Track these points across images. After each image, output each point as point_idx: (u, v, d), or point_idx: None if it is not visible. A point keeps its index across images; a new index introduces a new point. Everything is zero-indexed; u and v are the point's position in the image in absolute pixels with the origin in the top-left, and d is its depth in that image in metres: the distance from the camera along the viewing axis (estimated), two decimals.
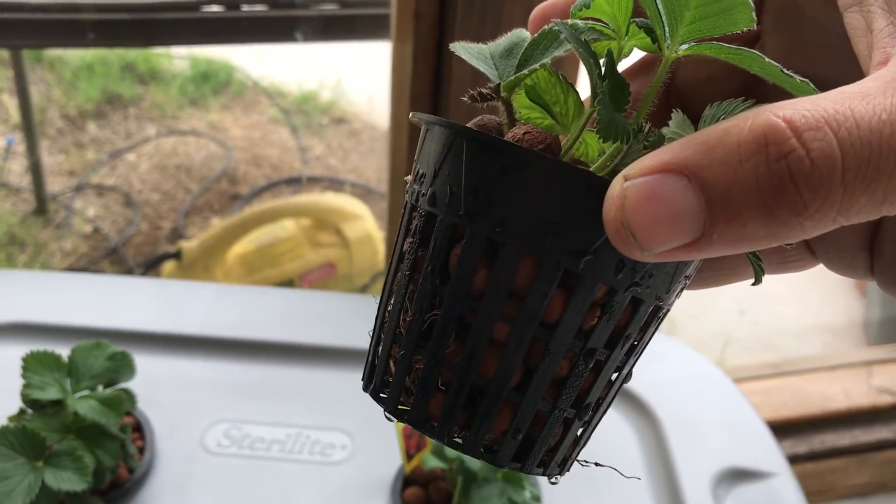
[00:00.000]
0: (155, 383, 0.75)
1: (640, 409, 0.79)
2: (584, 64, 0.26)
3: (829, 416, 1.35)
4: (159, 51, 3.08)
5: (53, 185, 2.56)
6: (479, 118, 0.30)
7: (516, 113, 0.30)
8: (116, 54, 3.03)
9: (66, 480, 0.61)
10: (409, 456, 0.71)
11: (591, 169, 0.27)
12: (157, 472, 0.71)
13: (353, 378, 0.80)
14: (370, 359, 0.30)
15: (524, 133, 0.27)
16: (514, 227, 0.25)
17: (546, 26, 0.29)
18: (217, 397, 0.77)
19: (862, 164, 0.19)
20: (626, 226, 0.21)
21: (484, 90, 0.30)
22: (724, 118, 0.24)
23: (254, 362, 0.80)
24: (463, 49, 0.31)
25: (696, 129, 0.26)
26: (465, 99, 0.30)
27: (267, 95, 3.08)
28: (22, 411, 0.66)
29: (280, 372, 0.80)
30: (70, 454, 0.62)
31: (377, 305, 0.30)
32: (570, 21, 0.28)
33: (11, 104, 2.81)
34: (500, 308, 0.25)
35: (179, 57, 3.09)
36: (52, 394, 0.65)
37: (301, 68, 3.11)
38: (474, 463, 0.66)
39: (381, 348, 0.29)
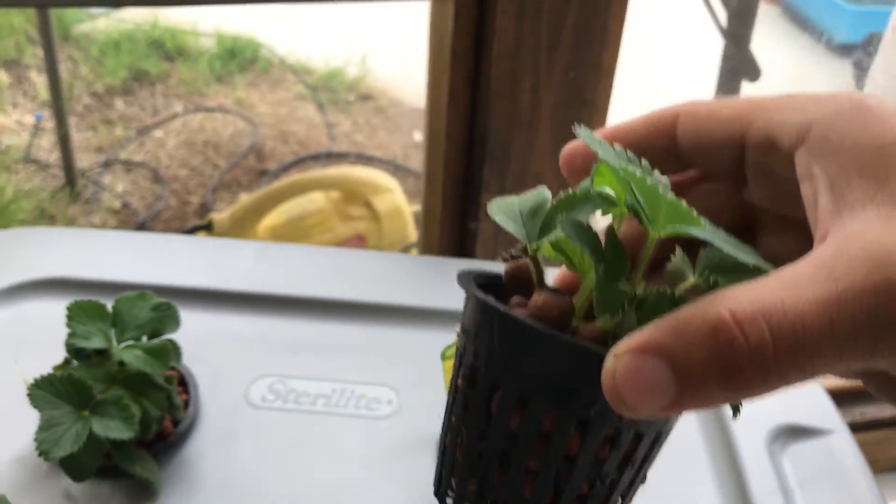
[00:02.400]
0: (198, 339, 0.74)
1: None
2: (585, 250, 0.31)
3: None
4: (186, 28, 3.07)
5: (82, 161, 2.57)
6: (513, 263, 0.36)
7: (544, 253, 0.36)
8: (143, 31, 3.02)
9: (112, 429, 0.60)
10: None
11: (596, 327, 0.32)
12: (201, 425, 0.70)
13: (397, 335, 0.79)
14: (438, 468, 0.37)
15: (543, 302, 0.32)
16: (538, 388, 0.31)
17: (562, 194, 0.33)
18: (261, 353, 0.76)
19: (789, 347, 0.25)
20: (618, 394, 0.27)
21: (514, 252, 0.36)
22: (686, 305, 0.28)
23: (297, 319, 0.79)
24: (498, 210, 0.35)
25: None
26: (500, 261, 0.36)
27: (293, 72, 3.06)
28: (67, 361, 0.65)
29: (324, 328, 0.79)
30: (116, 403, 0.61)
31: (444, 414, 0.36)
32: (580, 189, 0.33)
33: (40, 81, 2.82)
34: (532, 447, 0.32)
35: (206, 34, 3.08)
36: (96, 343, 0.64)
37: (327, 45, 3.09)
38: None
39: (443, 465, 0.36)
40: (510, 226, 0.35)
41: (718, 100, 0.34)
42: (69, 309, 0.64)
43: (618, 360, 0.27)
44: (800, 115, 0.30)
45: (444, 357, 0.67)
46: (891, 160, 0.27)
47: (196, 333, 0.74)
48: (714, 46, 1.57)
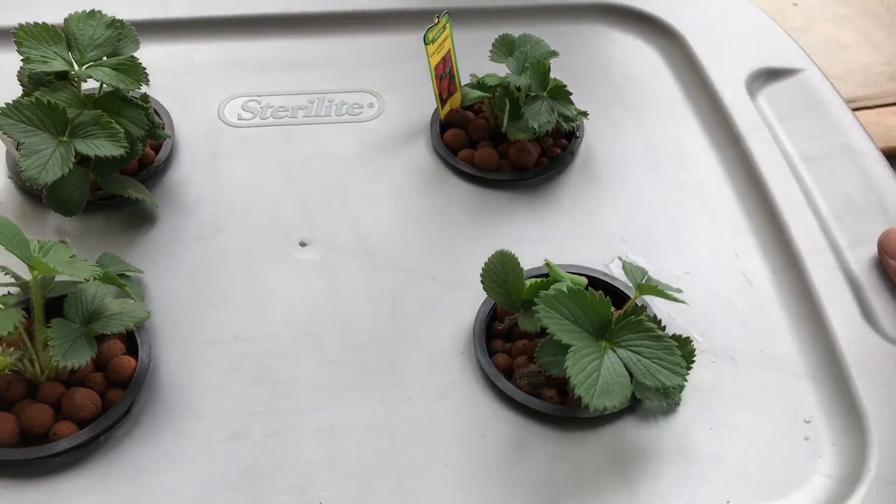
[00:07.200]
0: (157, 71, 0.69)
1: (663, 32, 0.77)
2: None
3: None
4: None
5: None
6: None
7: None
8: None
9: (100, 147, 0.56)
10: (442, 100, 0.68)
11: None
12: (181, 151, 0.66)
13: (369, 41, 0.76)
14: None
15: None
16: None
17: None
18: (227, 76, 0.72)
19: None
20: None
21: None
22: None
23: (260, 37, 0.75)
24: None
25: None
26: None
27: None
28: (25, 94, 0.60)
29: (289, 44, 0.74)
30: (97, 122, 0.56)
31: None
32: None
33: None
34: None
35: None
36: (57, 66, 0.58)
37: None
38: (519, 81, 0.64)
39: None
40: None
41: None
42: (17, 34, 0.58)
43: None
44: None
45: (426, 41, 0.64)
46: None
47: (154, 65, 0.69)
48: None
